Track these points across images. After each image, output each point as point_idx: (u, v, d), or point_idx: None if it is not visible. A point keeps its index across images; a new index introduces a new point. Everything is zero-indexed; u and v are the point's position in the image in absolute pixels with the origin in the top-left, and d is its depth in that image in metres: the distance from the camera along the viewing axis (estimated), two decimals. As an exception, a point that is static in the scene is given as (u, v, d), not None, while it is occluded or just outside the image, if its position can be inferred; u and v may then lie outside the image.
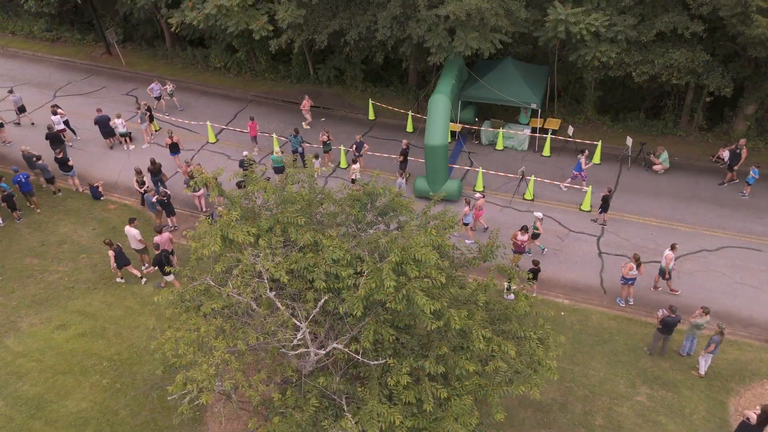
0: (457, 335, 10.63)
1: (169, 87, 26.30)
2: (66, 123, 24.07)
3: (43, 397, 14.96)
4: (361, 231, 12.06)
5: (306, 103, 25.02)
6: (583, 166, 20.32)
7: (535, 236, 18.16)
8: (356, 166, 20.86)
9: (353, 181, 20.49)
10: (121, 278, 18.28)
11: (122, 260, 17.76)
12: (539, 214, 18.30)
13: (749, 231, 19.04)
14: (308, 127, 24.94)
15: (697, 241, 18.75)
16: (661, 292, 17.33)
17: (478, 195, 19.42)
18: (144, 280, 18.28)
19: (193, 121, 25.78)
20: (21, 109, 25.71)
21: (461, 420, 9.99)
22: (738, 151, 20.32)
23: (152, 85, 26.18)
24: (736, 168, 20.51)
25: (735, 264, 17.95)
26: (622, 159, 22.42)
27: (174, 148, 22.45)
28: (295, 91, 27.93)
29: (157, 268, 17.50)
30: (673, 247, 16.48)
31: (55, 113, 23.68)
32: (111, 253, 17.42)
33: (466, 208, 18.64)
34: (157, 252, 17.16)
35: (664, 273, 16.81)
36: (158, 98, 26.19)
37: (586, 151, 20.48)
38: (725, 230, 19.17)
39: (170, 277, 17.21)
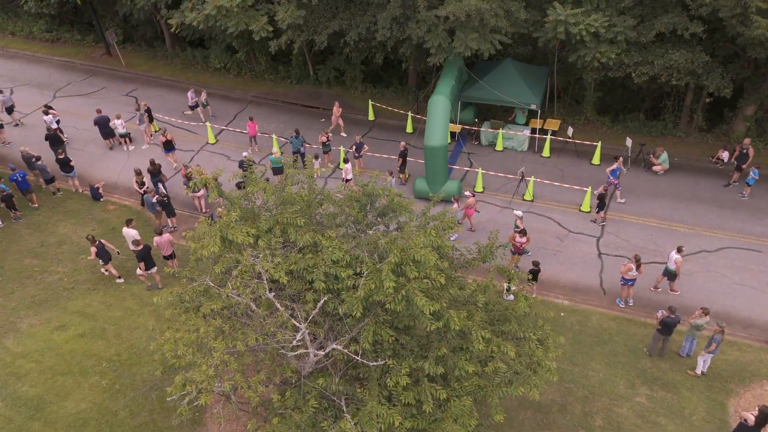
0: (457, 336, 10.63)
1: (204, 95, 25.88)
2: (57, 123, 24.05)
3: (42, 398, 14.96)
4: (360, 232, 12.06)
5: (336, 111, 24.42)
6: (607, 172, 20.11)
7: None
8: (348, 165, 20.91)
9: (347, 180, 20.66)
10: (120, 278, 18.30)
11: (104, 256, 17.86)
12: (519, 212, 18.49)
13: (749, 232, 19.04)
14: (344, 134, 24.45)
15: (696, 241, 18.75)
16: (660, 293, 17.33)
17: (467, 193, 19.48)
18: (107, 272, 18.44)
19: (192, 121, 25.78)
20: (9, 110, 25.70)
21: (461, 421, 9.98)
22: (744, 150, 20.31)
23: (188, 93, 25.61)
24: (744, 167, 20.42)
25: (734, 265, 17.95)
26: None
27: (168, 146, 22.49)
28: (295, 92, 27.95)
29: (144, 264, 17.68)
30: (679, 250, 16.46)
31: (46, 113, 23.70)
32: (93, 249, 17.56)
33: (455, 205, 18.80)
34: (138, 249, 17.27)
35: (674, 276, 16.79)
36: (194, 107, 25.73)
37: (621, 158, 20.38)
38: (725, 231, 19.17)
39: (138, 271, 17.65)
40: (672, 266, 16.56)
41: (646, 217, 19.96)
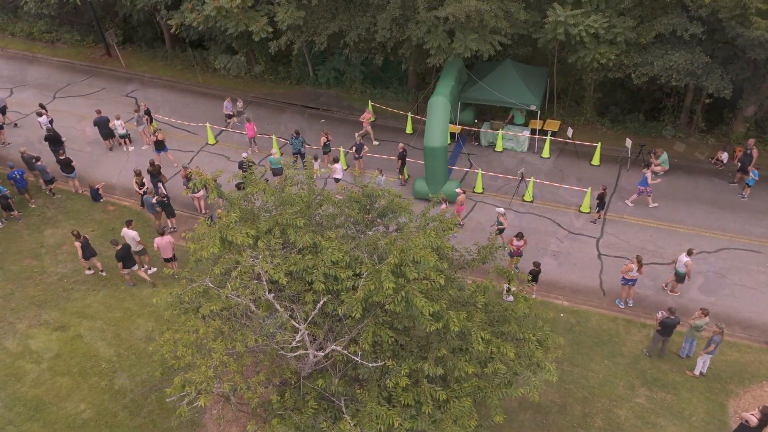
0: (456, 337, 10.63)
1: (240, 104, 25.59)
2: (50, 123, 24.01)
3: (41, 398, 14.95)
4: (360, 233, 12.06)
5: (367, 115, 24.08)
6: (650, 181, 19.72)
7: (499, 231, 18.31)
8: (338, 165, 20.97)
9: (336, 180, 20.74)
10: (89, 270, 18.52)
11: (89, 252, 17.96)
12: (501, 209, 18.52)
13: (748, 233, 19.04)
14: (377, 143, 23.96)
15: (696, 242, 18.72)
16: (660, 294, 17.33)
17: (458, 190, 19.48)
18: (104, 272, 18.51)
19: (192, 122, 25.78)
20: (2, 111, 25.68)
21: (460, 422, 9.98)
22: (748, 151, 20.26)
23: (225, 103, 25.22)
24: (750, 168, 20.31)
25: (734, 266, 17.94)
26: (621, 161, 22.42)
27: (159, 146, 22.49)
28: (294, 92, 27.95)
29: (129, 264, 17.75)
30: (689, 253, 16.45)
31: (40, 114, 23.69)
32: (77, 244, 17.61)
33: (444, 206, 18.79)
34: (117, 248, 17.37)
35: (683, 279, 16.79)
36: (230, 116, 25.32)
37: (652, 166, 20.21)
38: (724, 232, 19.16)
39: (125, 271, 17.81)
40: (682, 269, 16.55)
41: (645, 217, 19.95)
